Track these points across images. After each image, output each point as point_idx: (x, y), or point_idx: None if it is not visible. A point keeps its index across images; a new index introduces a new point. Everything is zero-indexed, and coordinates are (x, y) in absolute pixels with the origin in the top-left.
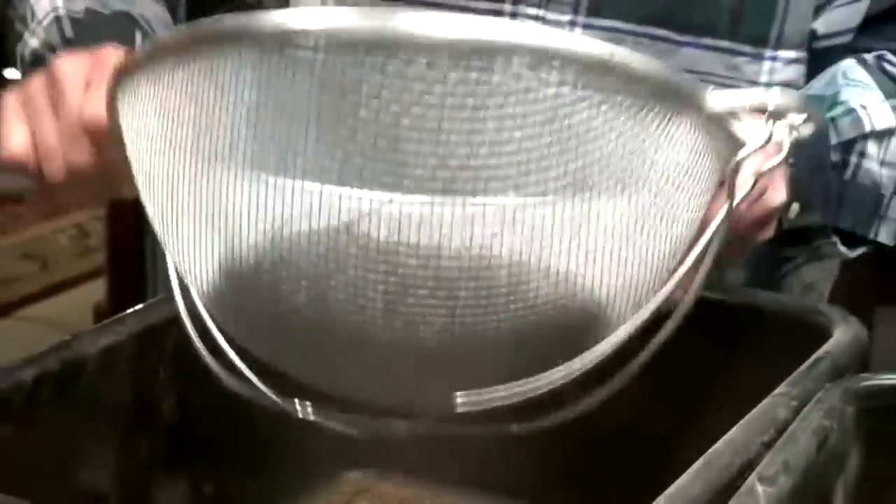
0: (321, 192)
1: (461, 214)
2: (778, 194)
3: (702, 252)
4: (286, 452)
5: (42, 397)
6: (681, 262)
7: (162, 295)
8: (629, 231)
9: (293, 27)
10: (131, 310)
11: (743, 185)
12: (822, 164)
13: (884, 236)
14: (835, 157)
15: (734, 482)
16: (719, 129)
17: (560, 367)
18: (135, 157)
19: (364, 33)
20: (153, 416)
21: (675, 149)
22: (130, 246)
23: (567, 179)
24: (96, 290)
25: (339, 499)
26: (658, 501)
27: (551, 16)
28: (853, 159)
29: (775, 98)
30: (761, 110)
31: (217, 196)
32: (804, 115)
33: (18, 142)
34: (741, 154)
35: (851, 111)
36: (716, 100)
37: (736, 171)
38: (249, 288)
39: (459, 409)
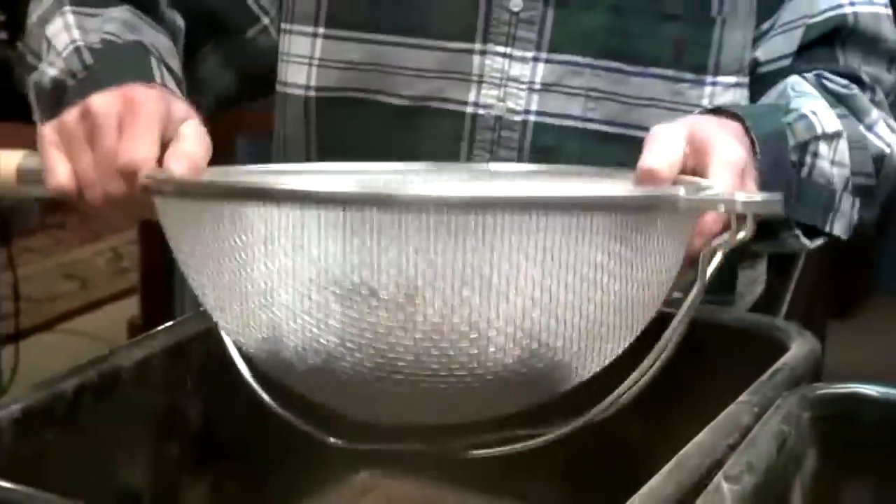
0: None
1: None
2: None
3: (678, 323)
4: (300, 455)
5: (82, 405)
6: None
7: (190, 313)
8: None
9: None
10: (162, 327)
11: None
12: (783, 163)
13: (838, 228)
14: (793, 157)
15: (703, 481)
16: (688, 221)
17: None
18: (169, 235)
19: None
20: (181, 422)
21: (654, 238)
22: (161, 267)
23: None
24: (130, 306)
25: (349, 496)
26: (633, 499)
27: (517, 53)
28: (808, 159)
29: (741, 197)
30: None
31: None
32: (764, 202)
33: (62, 174)
34: (715, 243)
35: (804, 116)
36: (687, 202)
37: (710, 257)
38: (287, 364)
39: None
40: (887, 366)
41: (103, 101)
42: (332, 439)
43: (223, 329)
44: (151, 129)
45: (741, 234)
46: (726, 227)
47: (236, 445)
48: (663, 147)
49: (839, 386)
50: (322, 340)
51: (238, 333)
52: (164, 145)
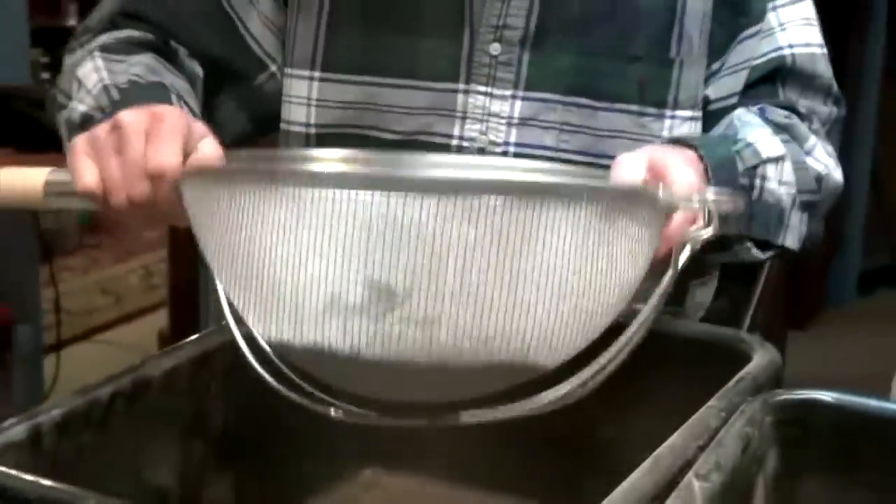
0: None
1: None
2: None
3: (657, 301)
4: (311, 454)
5: (116, 410)
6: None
7: (213, 327)
8: (592, 283)
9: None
10: (188, 339)
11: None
12: (734, 186)
13: (790, 241)
14: (743, 180)
15: (675, 479)
16: (658, 222)
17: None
18: (199, 229)
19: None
20: (206, 424)
21: (633, 226)
22: (187, 284)
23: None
24: (160, 319)
25: (354, 491)
26: (615, 494)
27: (497, 91)
28: (757, 182)
29: (710, 195)
30: (700, 202)
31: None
32: (728, 199)
33: (89, 177)
34: (687, 235)
35: (750, 144)
36: (665, 196)
37: (681, 249)
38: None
39: (464, 422)
40: (839, 370)
41: (131, 116)
42: (333, 411)
43: (243, 315)
44: (176, 138)
45: (709, 231)
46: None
47: (254, 445)
48: (626, 171)
49: (797, 392)
50: (339, 320)
51: (258, 318)
52: (185, 157)
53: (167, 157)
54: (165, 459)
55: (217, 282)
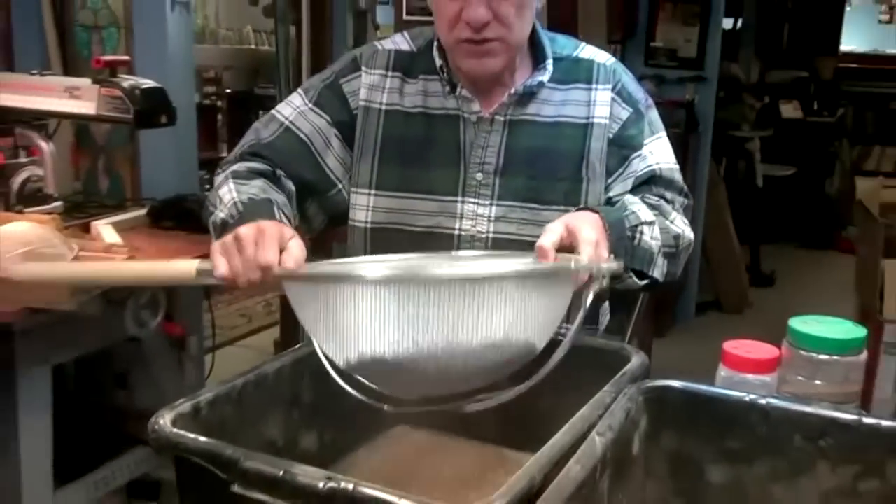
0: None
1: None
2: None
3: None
4: (361, 418)
5: (246, 392)
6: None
7: (304, 342)
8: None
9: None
10: (289, 350)
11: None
12: (622, 237)
13: (657, 274)
14: (629, 234)
15: (584, 436)
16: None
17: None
18: (294, 302)
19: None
20: (300, 401)
21: (557, 286)
22: (292, 310)
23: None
24: (275, 332)
25: (389, 441)
26: (547, 445)
27: (481, 202)
28: (637, 235)
29: (604, 265)
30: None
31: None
32: (614, 265)
33: (223, 268)
34: (592, 289)
35: (634, 212)
36: (576, 267)
37: (588, 297)
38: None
39: (468, 410)
40: (683, 362)
41: (246, 230)
42: (385, 407)
43: (326, 351)
44: (274, 244)
45: (603, 285)
46: (589, 281)
47: (329, 413)
48: (549, 234)
49: (659, 382)
50: (384, 355)
51: (336, 353)
52: (281, 251)
53: (269, 256)
54: (275, 423)
55: (307, 329)
